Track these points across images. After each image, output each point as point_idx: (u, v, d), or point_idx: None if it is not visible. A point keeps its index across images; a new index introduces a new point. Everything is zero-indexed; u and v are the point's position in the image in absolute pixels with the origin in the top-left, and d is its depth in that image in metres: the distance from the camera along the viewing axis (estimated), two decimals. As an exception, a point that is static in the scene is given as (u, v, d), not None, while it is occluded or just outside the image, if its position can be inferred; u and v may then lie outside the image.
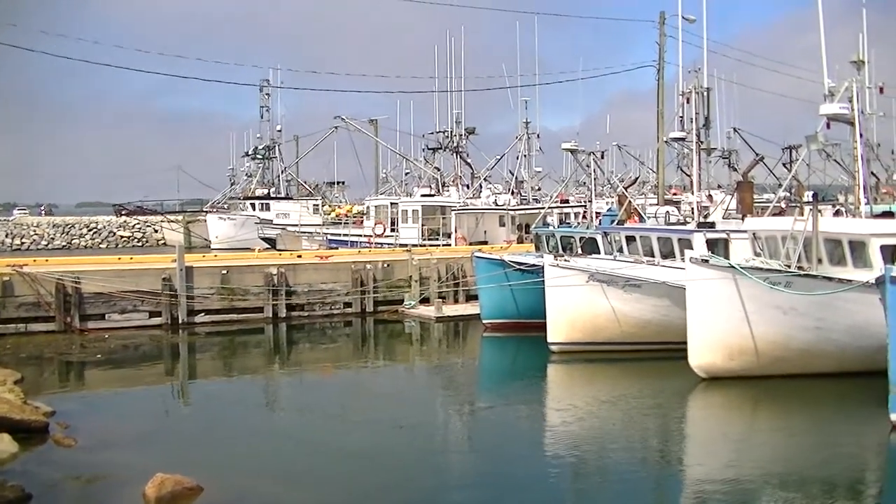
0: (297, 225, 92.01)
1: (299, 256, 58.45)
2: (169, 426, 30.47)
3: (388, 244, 73.26)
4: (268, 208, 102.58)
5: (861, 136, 37.05)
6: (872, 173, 45.26)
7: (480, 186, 79.95)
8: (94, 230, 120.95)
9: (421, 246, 67.02)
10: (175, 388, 37.92)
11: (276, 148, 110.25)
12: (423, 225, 77.33)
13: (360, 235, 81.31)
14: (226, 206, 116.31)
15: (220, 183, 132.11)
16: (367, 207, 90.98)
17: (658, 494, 23.44)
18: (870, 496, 23.00)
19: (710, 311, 32.84)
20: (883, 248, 33.29)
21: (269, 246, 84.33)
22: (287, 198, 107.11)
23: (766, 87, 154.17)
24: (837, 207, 42.28)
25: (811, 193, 43.76)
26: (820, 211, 35.52)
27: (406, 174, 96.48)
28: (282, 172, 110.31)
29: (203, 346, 45.63)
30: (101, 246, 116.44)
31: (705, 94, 47.00)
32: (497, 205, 74.71)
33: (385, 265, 54.85)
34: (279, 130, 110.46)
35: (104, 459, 25.03)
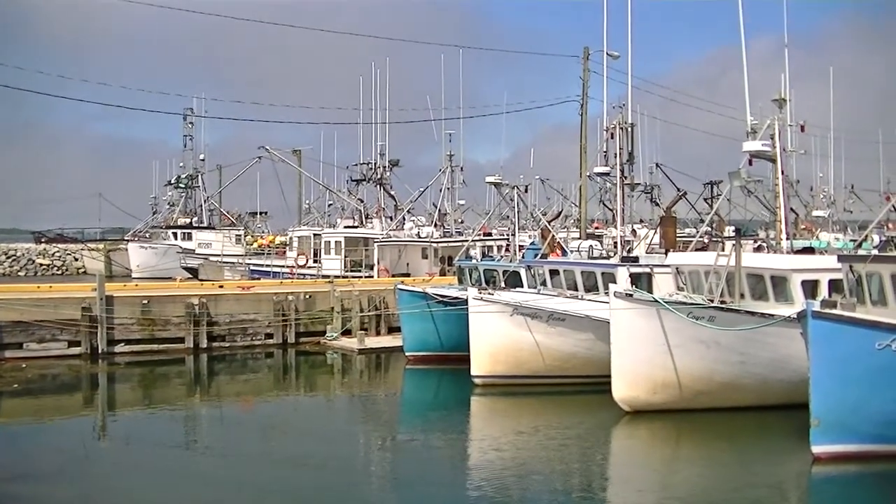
0: (219, 255, 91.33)
1: (221, 286, 58.02)
2: (85, 460, 29.81)
3: (311, 275, 72.86)
4: (190, 238, 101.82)
5: (783, 172, 37.60)
6: (792, 209, 45.90)
7: (403, 218, 79.91)
8: (13, 257, 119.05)
9: (343, 277, 66.75)
10: (93, 420, 37.29)
11: (199, 177, 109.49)
12: (345, 256, 77.08)
13: (283, 266, 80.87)
14: (147, 234, 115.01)
15: (142, 211, 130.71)
16: (290, 238, 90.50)
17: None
18: (793, 528, 23.27)
19: (634, 345, 33.00)
20: (804, 283, 33.85)
21: (190, 276, 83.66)
22: (209, 227, 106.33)
23: (691, 123, 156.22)
24: (759, 243, 42.78)
25: (732, 228, 44.27)
26: (742, 246, 35.89)
27: (329, 205, 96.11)
28: (204, 202, 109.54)
29: (123, 377, 45.03)
30: (19, 274, 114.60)
31: (629, 129, 47.40)
32: (420, 237, 74.69)
33: (307, 296, 54.55)
34: (202, 159, 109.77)
35: (18, 492, 24.60)
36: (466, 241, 62.34)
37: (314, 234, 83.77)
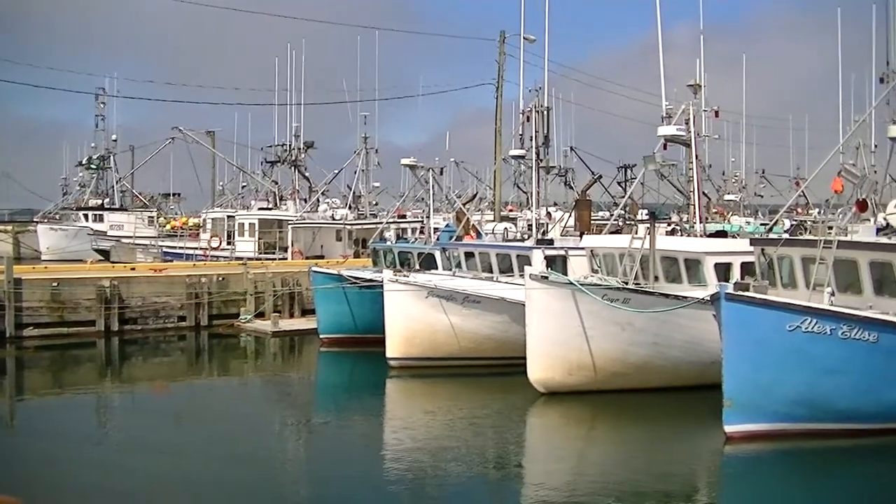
0: (131, 237, 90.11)
1: (133, 269, 57.34)
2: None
3: (224, 257, 72.26)
4: (101, 219, 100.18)
5: (696, 157, 38.07)
6: (704, 193, 46.36)
7: (318, 201, 79.55)
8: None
9: (257, 259, 66.35)
10: (1, 404, 36.70)
11: (111, 158, 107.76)
12: (259, 238, 76.59)
13: (196, 248, 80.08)
14: (58, 216, 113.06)
15: (53, 193, 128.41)
16: (204, 220, 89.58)
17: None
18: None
19: (549, 327, 33.20)
20: (717, 265, 34.40)
21: (102, 258, 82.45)
22: (121, 209, 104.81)
23: (610, 108, 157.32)
24: (673, 226, 43.23)
25: (646, 212, 44.62)
26: (655, 229, 36.26)
27: (243, 187, 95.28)
28: (116, 183, 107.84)
29: (31, 361, 44.40)
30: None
31: (545, 113, 47.63)
32: (334, 219, 74.49)
33: (220, 278, 54.13)
34: (114, 140, 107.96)
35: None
36: (381, 223, 62.30)
37: (228, 216, 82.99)
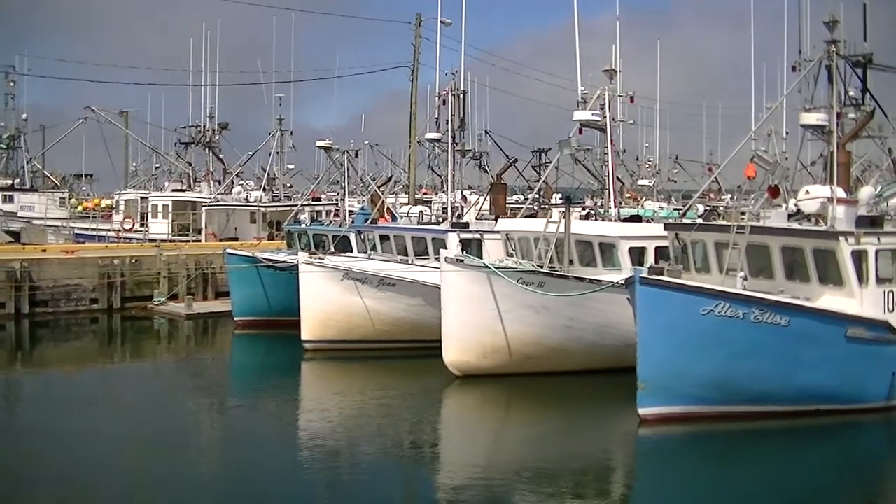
0: (42, 218, 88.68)
1: (44, 250, 56.63)
2: None
3: (137, 239, 71.49)
4: (11, 200, 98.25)
5: (611, 142, 38.33)
6: (618, 178, 46.76)
7: (232, 182, 78.85)
8: None
9: (171, 241, 65.71)
10: None
11: (22, 137, 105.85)
12: (173, 220, 75.85)
13: (109, 230, 79.05)
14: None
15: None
16: (117, 201, 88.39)
17: (411, 491, 23.68)
18: (619, 487, 23.87)
19: (464, 310, 33.30)
20: (631, 250, 34.75)
21: (12, 239, 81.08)
22: (32, 189, 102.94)
23: (529, 93, 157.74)
24: (587, 210, 43.49)
25: (561, 196, 44.93)
26: (570, 213, 36.45)
27: (157, 168, 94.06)
28: (27, 163, 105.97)
29: (-61, 344, 43.60)
30: None
31: (461, 96, 47.64)
32: (248, 201, 73.93)
33: (133, 260, 53.65)
34: (25, 119, 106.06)
35: None
36: (296, 205, 61.91)
37: (141, 198, 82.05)
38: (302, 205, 63.06)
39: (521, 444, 27.79)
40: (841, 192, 30.24)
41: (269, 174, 77.60)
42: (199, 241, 69.24)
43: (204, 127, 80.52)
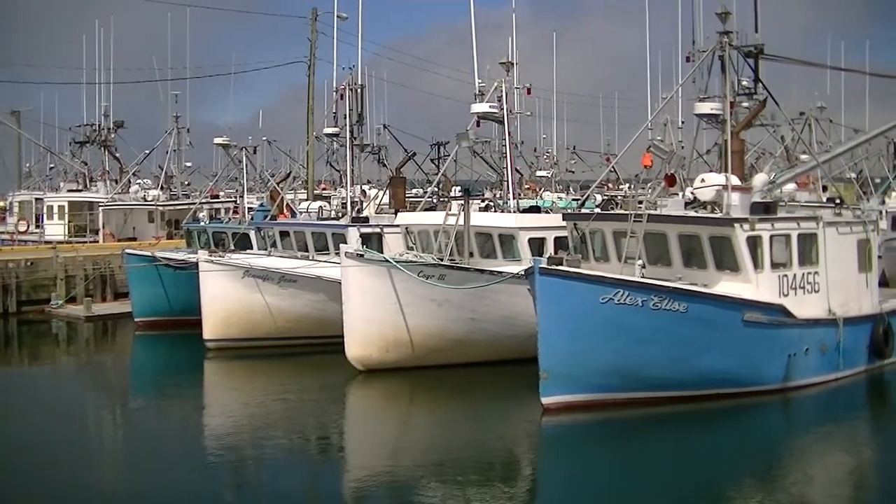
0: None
1: (-65, 254, 55.44)
2: None
3: (32, 241, 70.31)
4: None
5: (509, 133, 38.57)
6: (517, 169, 47.07)
7: (129, 182, 77.79)
8: None
9: (67, 243, 64.71)
10: None
11: None
12: (69, 221, 74.71)
13: (2, 232, 77.72)
14: None
15: None
16: (10, 203, 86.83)
17: (318, 487, 23.59)
18: (524, 476, 24.12)
19: (366, 305, 33.29)
20: (531, 240, 35.03)
21: None
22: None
23: (428, 87, 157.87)
24: (486, 202, 43.70)
25: (460, 188, 45.08)
26: (469, 206, 36.61)
27: (51, 168, 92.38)
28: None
29: None
30: None
31: (359, 91, 47.56)
32: (146, 200, 73.05)
33: (28, 263, 52.63)
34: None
35: None
36: (194, 203, 61.36)
37: (36, 199, 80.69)
38: (201, 203, 62.46)
39: (425, 437, 27.89)
40: (735, 180, 30.80)
41: (166, 172, 76.68)
42: (97, 241, 68.26)
43: (99, 126, 79.28)
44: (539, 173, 76.93)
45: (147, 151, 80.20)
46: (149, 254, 46.78)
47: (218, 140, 58.43)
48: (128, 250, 47.94)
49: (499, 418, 28.88)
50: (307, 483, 23.72)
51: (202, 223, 52.25)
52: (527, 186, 61.74)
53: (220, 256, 40.15)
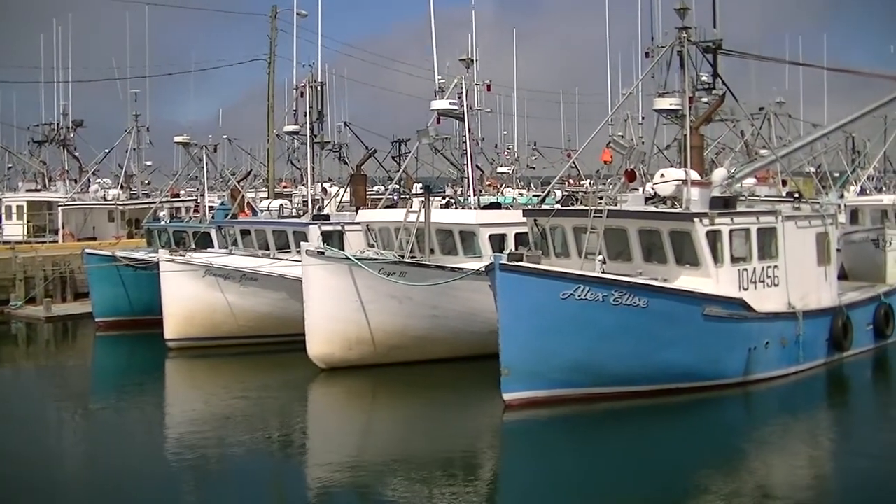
0: None
1: None
2: None
3: (-9, 242, 69.72)
4: None
5: (469, 130, 38.60)
6: (478, 166, 47.12)
7: (89, 181, 77.30)
8: None
9: (26, 243, 64.22)
10: None
11: None
12: (28, 221, 74.14)
13: (-40, 233, 77.07)
14: None
15: None
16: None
17: (281, 486, 23.50)
18: (487, 472, 24.15)
19: (327, 302, 33.26)
20: (491, 237, 35.09)
21: None
22: None
23: (391, 83, 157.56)
24: (447, 199, 43.72)
25: (421, 186, 45.11)
26: (430, 202, 36.63)
27: (9, 168, 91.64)
28: None
29: None
30: None
31: (319, 88, 47.48)
32: (106, 199, 72.60)
33: (-13, 264, 52.28)
34: None
35: None
36: (155, 202, 61.09)
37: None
38: (161, 202, 62.19)
39: (388, 434, 27.89)
40: (695, 175, 30.99)
41: (126, 171, 76.28)
42: (56, 241, 67.80)
43: (58, 125, 78.74)
44: (500, 170, 77.13)
45: (107, 150, 79.67)
46: (109, 253, 46.50)
47: (178, 138, 58.12)
48: (88, 250, 47.67)
49: (461, 415, 28.92)
50: (270, 481, 23.62)
51: (163, 222, 52.09)
52: (488, 183, 61.90)
53: (180, 255, 40.01)
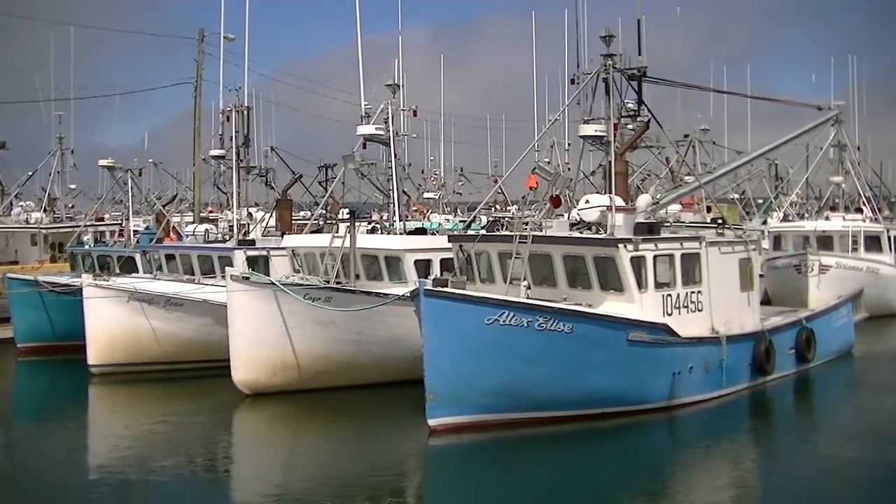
0: None
1: None
2: None
3: None
4: None
5: (395, 155, 38.65)
6: (404, 191, 47.15)
7: (11, 204, 76.37)
8: None
9: (-56, 268, 63.23)
10: None
11: None
12: (-55, 246, 73.03)
13: None
14: None
15: None
16: None
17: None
18: (412, 497, 24.12)
19: (252, 328, 33.09)
20: (417, 262, 35.17)
21: None
22: None
23: (320, 109, 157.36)
24: (373, 224, 43.72)
25: (347, 211, 45.03)
26: (356, 228, 36.63)
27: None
28: None
29: None
30: None
31: (245, 113, 47.33)
32: (28, 223, 71.73)
33: None
34: None
35: None
36: (79, 226, 60.50)
37: (-88, 223, 78.79)
38: (85, 225, 61.64)
39: (313, 461, 27.74)
40: (620, 201, 31.23)
41: (49, 195, 75.48)
42: (-23, 266, 66.82)
43: (-24, 147, 77.75)
44: (427, 195, 77.25)
45: (30, 173, 78.61)
46: (31, 278, 45.89)
47: (103, 162, 57.66)
48: (9, 274, 47.04)
49: (386, 440, 28.86)
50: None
51: (87, 246, 51.52)
52: (415, 208, 62.04)
53: (104, 280, 39.58)
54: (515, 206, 51.92)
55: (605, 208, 30.67)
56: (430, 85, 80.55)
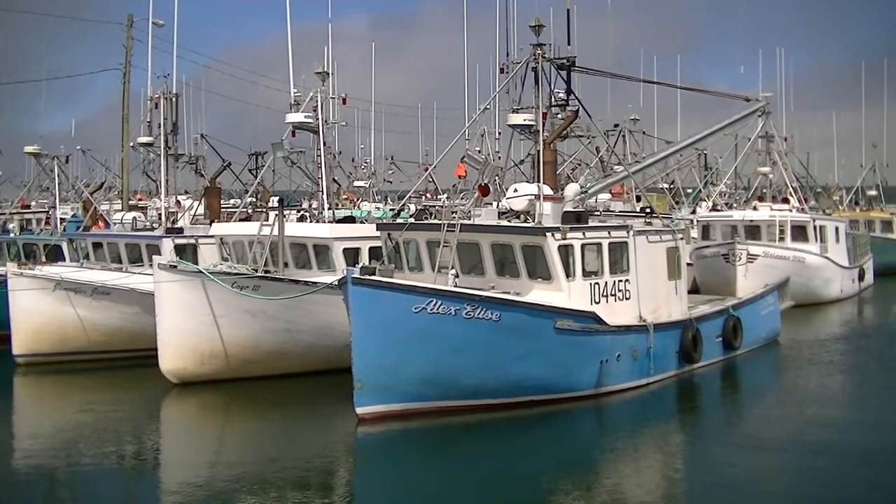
0: None
1: None
2: None
3: None
4: None
5: (325, 144, 38.54)
6: (334, 180, 47.06)
7: (-68, 194, 75.49)
8: None
9: None
10: None
11: None
12: None
13: None
14: None
15: None
16: None
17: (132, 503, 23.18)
18: (341, 486, 24.01)
19: (180, 317, 32.94)
20: (345, 251, 35.07)
21: None
22: None
23: (254, 96, 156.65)
24: (302, 213, 43.57)
25: (277, 199, 44.86)
26: (286, 216, 36.50)
27: None
28: None
29: None
30: None
31: (174, 100, 46.94)
32: (-48, 212, 70.90)
33: None
34: None
35: None
36: (4, 214, 59.82)
37: None
38: (10, 213, 60.98)
39: (242, 450, 27.57)
40: (548, 190, 31.37)
41: (-28, 183, 74.57)
42: None
43: None
44: (357, 183, 77.13)
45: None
46: (-46, 267, 45.23)
47: (28, 148, 56.89)
48: (-71, 265, 46.29)
49: (315, 429, 28.82)
50: (122, 499, 23.29)
51: (12, 234, 50.97)
52: (345, 197, 61.78)
53: (30, 269, 39.12)
54: (446, 195, 52.04)
55: (534, 197, 30.77)
56: (369, 73, 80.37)
